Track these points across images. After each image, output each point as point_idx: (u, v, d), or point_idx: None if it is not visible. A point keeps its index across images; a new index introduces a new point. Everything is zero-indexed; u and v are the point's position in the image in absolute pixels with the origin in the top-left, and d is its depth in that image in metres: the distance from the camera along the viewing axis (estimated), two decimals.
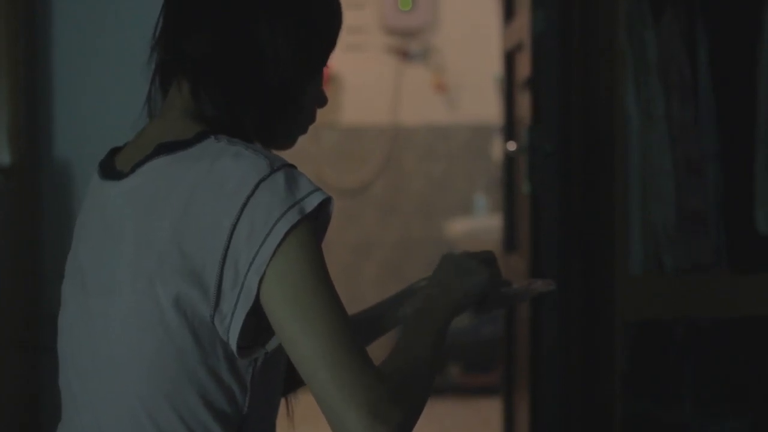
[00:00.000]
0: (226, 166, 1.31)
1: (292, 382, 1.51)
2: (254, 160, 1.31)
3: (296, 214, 1.29)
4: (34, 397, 2.95)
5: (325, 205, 1.35)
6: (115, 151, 1.49)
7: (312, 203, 1.32)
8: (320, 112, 1.54)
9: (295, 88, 1.45)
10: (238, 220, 1.28)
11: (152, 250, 1.31)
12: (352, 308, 1.89)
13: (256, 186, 1.29)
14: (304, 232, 1.30)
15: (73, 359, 1.43)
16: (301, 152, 1.52)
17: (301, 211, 1.30)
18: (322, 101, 1.52)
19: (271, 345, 1.35)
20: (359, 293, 5.84)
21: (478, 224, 5.75)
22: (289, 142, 1.51)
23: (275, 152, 1.39)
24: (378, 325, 1.77)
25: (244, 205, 1.28)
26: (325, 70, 1.51)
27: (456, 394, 5.87)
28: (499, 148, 5.00)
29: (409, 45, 6.07)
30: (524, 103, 3.23)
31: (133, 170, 1.38)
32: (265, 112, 1.43)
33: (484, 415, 5.44)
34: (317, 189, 1.33)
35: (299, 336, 1.26)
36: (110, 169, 1.44)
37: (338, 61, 5.40)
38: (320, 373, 1.25)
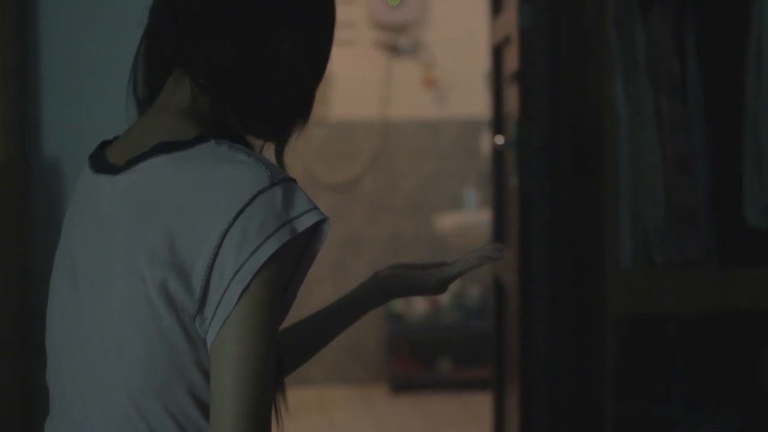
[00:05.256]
0: (227, 172, 1.31)
1: (279, 377, 1.51)
2: (256, 171, 1.31)
3: (287, 233, 1.30)
4: (24, 397, 2.95)
5: (320, 224, 1.35)
6: (104, 145, 1.49)
7: (305, 223, 1.31)
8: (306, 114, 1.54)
9: (311, 94, 1.46)
10: (230, 227, 1.28)
11: (145, 248, 1.31)
12: None
13: (254, 197, 1.29)
14: (287, 255, 1.32)
15: (63, 353, 1.43)
16: (290, 148, 1.52)
17: (293, 230, 1.30)
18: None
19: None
20: (348, 290, 5.83)
21: (468, 219, 5.76)
22: (286, 143, 1.51)
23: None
24: (345, 317, 1.77)
25: (239, 213, 1.28)
26: None
27: (447, 389, 5.89)
28: (488, 143, 5.00)
29: (399, 40, 6.07)
30: (512, 97, 3.23)
31: (129, 166, 1.38)
32: (283, 118, 1.45)
33: (474, 410, 5.45)
34: (313, 208, 1.33)
35: (234, 354, 1.29)
36: (102, 162, 1.43)
37: None
38: (229, 401, 1.28)
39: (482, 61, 5.35)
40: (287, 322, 1.51)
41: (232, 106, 1.41)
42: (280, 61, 1.41)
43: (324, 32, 1.47)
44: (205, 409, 1.33)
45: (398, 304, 5.94)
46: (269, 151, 1.47)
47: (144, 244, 1.32)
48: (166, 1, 1.45)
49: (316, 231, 1.36)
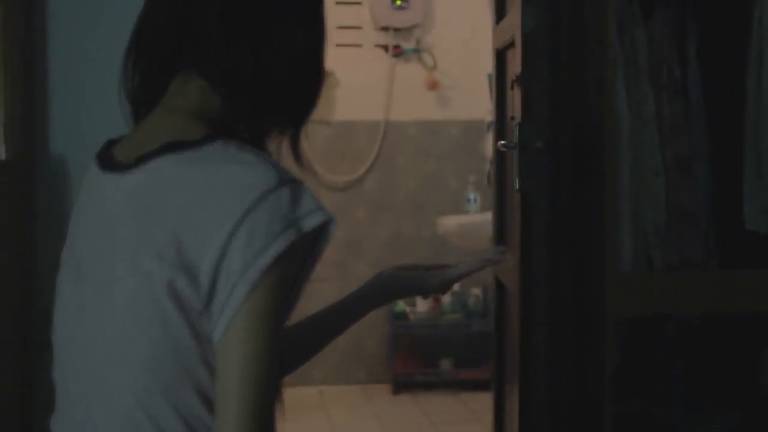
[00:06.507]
0: (232, 172, 1.32)
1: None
2: (263, 171, 1.32)
3: (294, 233, 1.31)
4: (25, 397, 2.95)
5: (326, 224, 1.36)
6: (111, 143, 1.49)
7: (311, 223, 1.32)
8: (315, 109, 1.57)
9: (319, 81, 1.49)
10: (238, 227, 1.29)
11: (151, 248, 1.32)
12: None
13: (261, 197, 1.30)
14: (293, 255, 1.32)
15: (66, 353, 1.44)
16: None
17: (299, 230, 1.31)
18: None
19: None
20: (350, 289, 5.83)
21: (470, 221, 5.75)
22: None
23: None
24: (347, 316, 1.79)
25: (246, 213, 1.29)
26: None
27: (448, 388, 5.89)
28: (490, 145, 5.01)
29: (402, 42, 6.08)
30: (516, 100, 3.24)
31: (136, 164, 1.38)
32: (296, 110, 1.47)
33: (475, 409, 5.46)
34: (320, 208, 1.34)
35: (238, 354, 1.30)
36: (110, 161, 1.44)
37: (331, 58, 5.39)
38: (233, 401, 1.29)
39: (485, 64, 5.35)
40: (290, 321, 1.52)
41: (251, 108, 1.43)
42: (286, 59, 1.43)
43: (319, 23, 1.49)
44: (212, 406, 1.33)
45: (400, 304, 5.95)
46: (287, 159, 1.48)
47: (150, 244, 1.32)
48: (161, 2, 1.46)
49: (321, 231, 1.36)
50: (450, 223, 5.74)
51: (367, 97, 6.05)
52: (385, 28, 6.03)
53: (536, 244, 3.11)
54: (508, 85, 3.45)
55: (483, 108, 5.75)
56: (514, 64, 3.24)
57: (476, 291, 6.02)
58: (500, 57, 3.70)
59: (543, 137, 3.00)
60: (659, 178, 2.90)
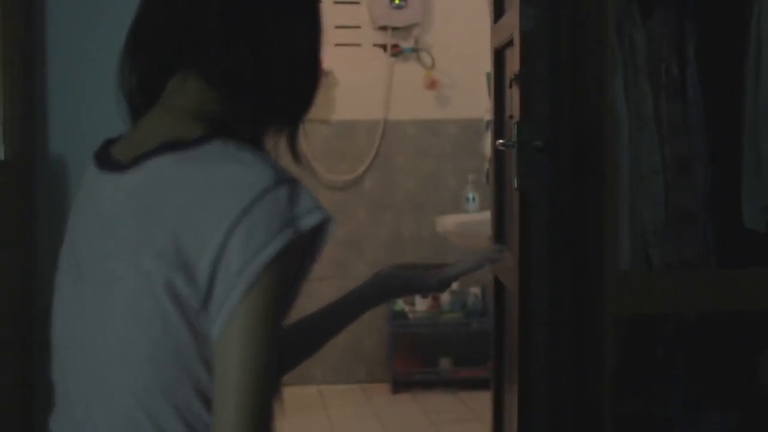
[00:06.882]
0: (231, 171, 1.32)
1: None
2: (262, 170, 1.32)
3: (291, 232, 1.31)
4: (25, 397, 2.94)
5: (324, 223, 1.36)
6: (109, 143, 1.50)
7: (309, 222, 1.33)
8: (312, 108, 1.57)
9: (315, 80, 1.49)
10: (236, 226, 1.29)
11: (151, 248, 1.31)
12: None
13: (259, 196, 1.30)
14: (291, 254, 1.33)
15: (66, 353, 1.44)
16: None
17: (297, 229, 1.31)
18: None
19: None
20: (349, 289, 5.83)
21: (469, 220, 5.76)
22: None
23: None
24: (346, 315, 1.79)
25: (244, 212, 1.29)
26: None
27: (447, 387, 5.90)
28: (489, 144, 5.01)
29: (401, 41, 6.08)
30: (514, 99, 3.24)
31: (134, 164, 1.38)
32: (294, 108, 1.47)
33: (474, 408, 5.46)
34: (318, 207, 1.34)
35: (237, 353, 1.30)
36: (108, 160, 1.44)
37: (330, 57, 5.39)
38: (231, 400, 1.29)
39: (484, 62, 5.35)
40: (289, 320, 1.52)
41: (251, 108, 1.43)
42: (286, 59, 1.43)
43: (318, 22, 1.49)
44: (211, 405, 1.33)
45: (399, 303, 5.95)
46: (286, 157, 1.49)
47: (150, 244, 1.32)
48: (160, 1, 1.46)
49: (319, 230, 1.36)
50: (449, 222, 5.74)
51: (365, 96, 6.05)
52: (383, 28, 6.03)
53: (535, 243, 3.11)
54: (507, 83, 3.46)
55: (482, 107, 5.76)
56: (513, 63, 3.24)
57: (475, 290, 6.02)
58: (499, 56, 3.70)
59: (542, 136, 3.00)
60: (658, 177, 2.90)
